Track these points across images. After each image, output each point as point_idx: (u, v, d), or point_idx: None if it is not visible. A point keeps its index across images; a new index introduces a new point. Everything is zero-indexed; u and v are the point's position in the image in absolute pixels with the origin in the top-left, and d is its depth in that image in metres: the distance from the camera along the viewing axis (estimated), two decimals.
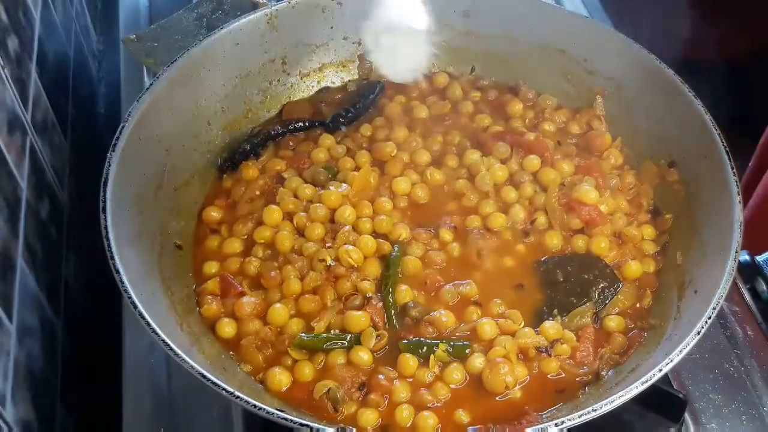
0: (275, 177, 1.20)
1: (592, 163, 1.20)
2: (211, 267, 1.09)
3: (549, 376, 0.99)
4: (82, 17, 1.62)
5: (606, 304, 1.05)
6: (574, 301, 1.05)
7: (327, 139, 1.25)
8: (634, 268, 1.09)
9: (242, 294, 1.05)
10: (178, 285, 1.05)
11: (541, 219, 1.14)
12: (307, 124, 1.28)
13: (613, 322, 1.04)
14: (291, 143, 1.25)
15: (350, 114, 1.28)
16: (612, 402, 0.85)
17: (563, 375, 0.99)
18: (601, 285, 1.06)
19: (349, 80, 1.34)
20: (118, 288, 0.90)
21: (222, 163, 1.21)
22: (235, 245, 1.12)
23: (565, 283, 1.07)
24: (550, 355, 1.00)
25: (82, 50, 1.56)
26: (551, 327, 1.02)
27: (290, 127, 1.27)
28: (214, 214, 1.15)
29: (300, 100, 1.31)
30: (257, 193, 1.18)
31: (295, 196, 1.16)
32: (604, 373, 0.98)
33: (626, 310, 1.06)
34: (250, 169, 1.20)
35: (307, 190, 1.15)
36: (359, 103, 1.29)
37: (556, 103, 1.29)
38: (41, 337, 1.04)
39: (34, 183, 1.11)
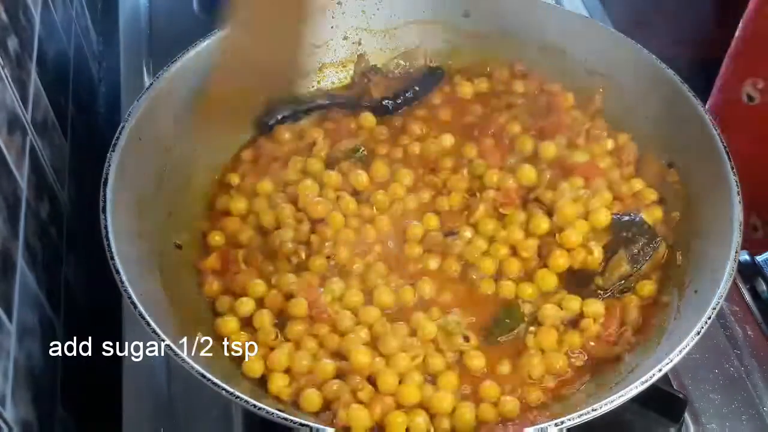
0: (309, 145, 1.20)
1: (555, 119, 1.21)
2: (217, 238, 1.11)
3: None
4: (82, 17, 1.62)
5: (646, 261, 1.05)
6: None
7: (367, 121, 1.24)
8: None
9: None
10: (178, 285, 1.05)
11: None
12: (352, 102, 1.27)
13: (647, 288, 1.05)
14: (336, 116, 1.26)
15: (399, 100, 1.27)
16: (612, 402, 0.85)
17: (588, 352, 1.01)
18: (641, 242, 1.06)
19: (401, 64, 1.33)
20: (118, 288, 0.90)
21: (257, 122, 1.22)
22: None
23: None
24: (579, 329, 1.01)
25: (82, 50, 1.56)
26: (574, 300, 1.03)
27: (335, 101, 1.26)
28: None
29: (341, 87, 1.32)
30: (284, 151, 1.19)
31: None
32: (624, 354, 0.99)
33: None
34: (285, 132, 1.22)
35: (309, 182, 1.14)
36: (413, 90, 1.28)
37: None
38: (41, 337, 1.04)
39: (34, 183, 1.10)
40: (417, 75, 1.32)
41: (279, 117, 1.23)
